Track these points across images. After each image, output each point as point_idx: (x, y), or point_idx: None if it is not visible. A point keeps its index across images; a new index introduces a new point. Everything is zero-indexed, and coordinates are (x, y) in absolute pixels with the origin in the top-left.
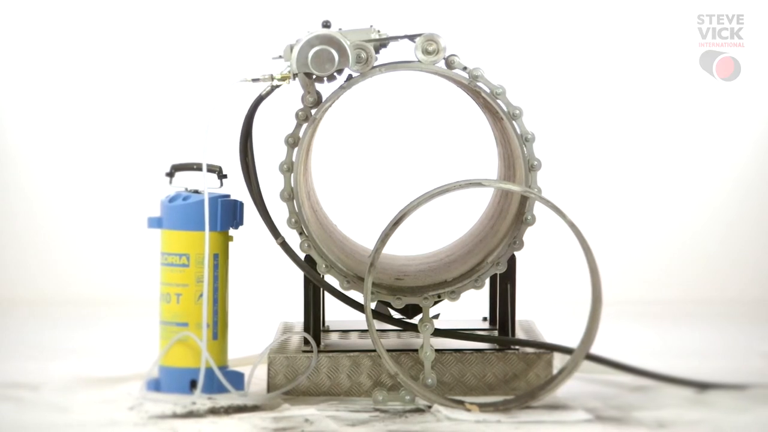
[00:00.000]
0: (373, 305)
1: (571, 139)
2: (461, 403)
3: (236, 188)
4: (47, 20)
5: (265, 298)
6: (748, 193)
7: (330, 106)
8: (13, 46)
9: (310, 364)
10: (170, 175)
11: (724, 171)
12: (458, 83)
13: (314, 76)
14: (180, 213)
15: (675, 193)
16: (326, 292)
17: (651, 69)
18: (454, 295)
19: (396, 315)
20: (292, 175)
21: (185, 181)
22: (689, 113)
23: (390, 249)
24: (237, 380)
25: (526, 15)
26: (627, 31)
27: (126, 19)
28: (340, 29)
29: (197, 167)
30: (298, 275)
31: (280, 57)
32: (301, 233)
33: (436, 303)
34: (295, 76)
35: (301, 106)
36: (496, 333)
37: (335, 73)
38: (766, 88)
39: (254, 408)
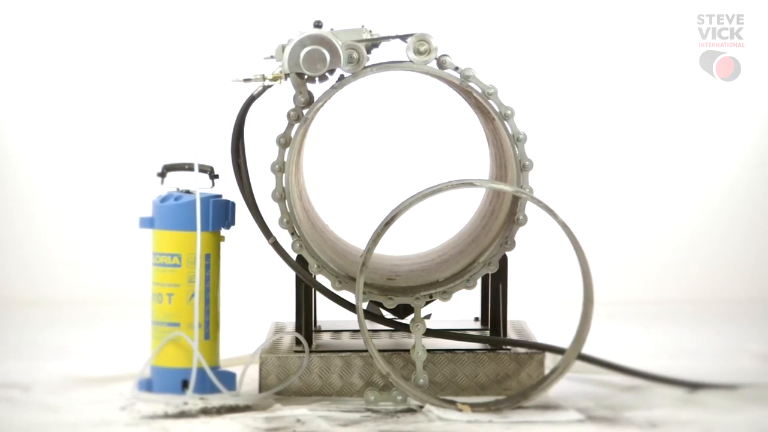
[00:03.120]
0: (364, 305)
1: (564, 139)
2: (453, 403)
3: (228, 188)
4: (39, 21)
5: (257, 298)
6: (746, 193)
7: (322, 106)
8: (9, 48)
9: (302, 364)
10: (162, 175)
11: (722, 171)
12: (450, 83)
13: (306, 76)
14: (172, 213)
15: (672, 193)
16: (318, 292)
17: (651, 69)
18: (445, 295)
19: (388, 315)
20: (284, 175)
21: (177, 181)
22: (689, 113)
23: (382, 249)
24: (229, 380)
25: (520, 14)
26: (626, 30)
27: (118, 19)
28: (331, 29)
29: (189, 167)
30: (290, 275)
31: (272, 57)
32: (292, 233)
33: (427, 303)
34: (286, 76)
35: (293, 106)
36: (487, 333)
37: (327, 74)
38: (766, 88)
39: (246, 408)
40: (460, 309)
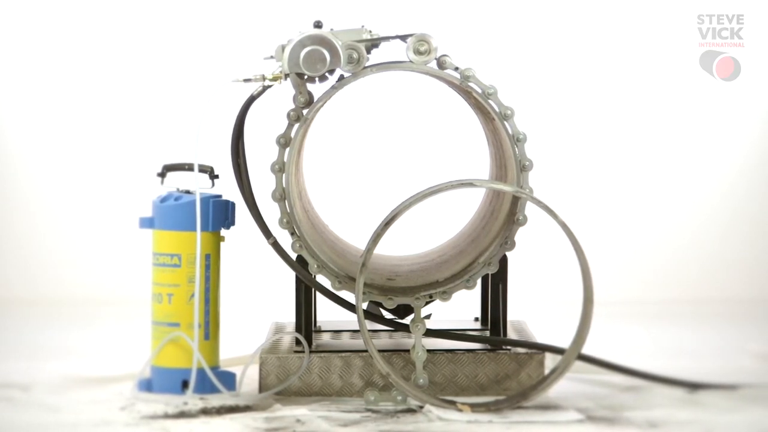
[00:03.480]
0: (364, 305)
1: (564, 139)
2: (453, 403)
3: (228, 188)
4: (39, 21)
5: (257, 299)
6: (746, 193)
7: (322, 106)
8: (9, 48)
9: (302, 364)
10: (162, 175)
11: (722, 171)
12: (450, 83)
13: (306, 77)
14: (171, 213)
15: (672, 193)
16: (318, 293)
17: (651, 69)
18: (445, 296)
19: (388, 315)
20: (284, 175)
21: (177, 181)
22: (689, 113)
23: (382, 249)
24: (229, 380)
25: (520, 14)
26: (626, 30)
27: (118, 19)
28: (331, 29)
29: (189, 167)
30: (290, 275)
31: (272, 57)
32: (292, 233)
33: (427, 303)
34: (286, 76)
35: (293, 106)
36: (487, 333)
37: (327, 74)
38: (766, 88)
39: (246, 408)
40: (460, 309)
